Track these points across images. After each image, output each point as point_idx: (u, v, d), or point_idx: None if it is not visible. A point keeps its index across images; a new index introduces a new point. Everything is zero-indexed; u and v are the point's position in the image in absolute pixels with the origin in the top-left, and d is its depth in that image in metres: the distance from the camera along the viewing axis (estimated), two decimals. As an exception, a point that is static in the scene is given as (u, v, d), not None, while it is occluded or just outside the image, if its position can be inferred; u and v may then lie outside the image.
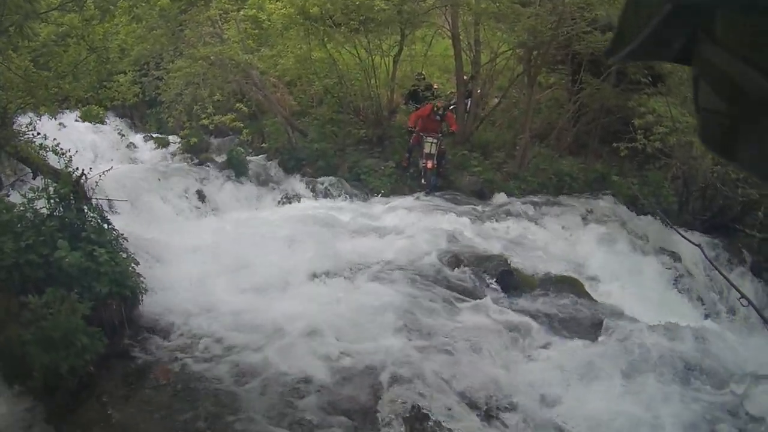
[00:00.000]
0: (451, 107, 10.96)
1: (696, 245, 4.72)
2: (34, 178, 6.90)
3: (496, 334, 5.17)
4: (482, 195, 9.80)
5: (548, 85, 11.81)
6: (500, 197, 9.60)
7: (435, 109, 9.76)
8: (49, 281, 4.37)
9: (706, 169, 8.78)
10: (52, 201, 4.73)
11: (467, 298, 5.85)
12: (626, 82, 9.82)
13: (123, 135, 11.93)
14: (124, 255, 4.98)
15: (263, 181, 9.67)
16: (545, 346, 5.09)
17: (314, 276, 6.06)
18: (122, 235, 5.14)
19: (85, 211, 4.93)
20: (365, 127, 10.85)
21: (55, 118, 8.17)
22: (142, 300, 4.98)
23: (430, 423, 3.93)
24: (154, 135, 12.73)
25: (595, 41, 8.91)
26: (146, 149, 12.10)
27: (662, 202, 9.34)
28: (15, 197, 5.43)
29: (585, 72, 10.18)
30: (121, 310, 4.71)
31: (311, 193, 9.45)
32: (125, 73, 9.44)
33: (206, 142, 11.89)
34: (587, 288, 6.52)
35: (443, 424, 3.93)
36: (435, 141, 9.56)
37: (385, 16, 9.59)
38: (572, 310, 5.85)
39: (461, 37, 10.58)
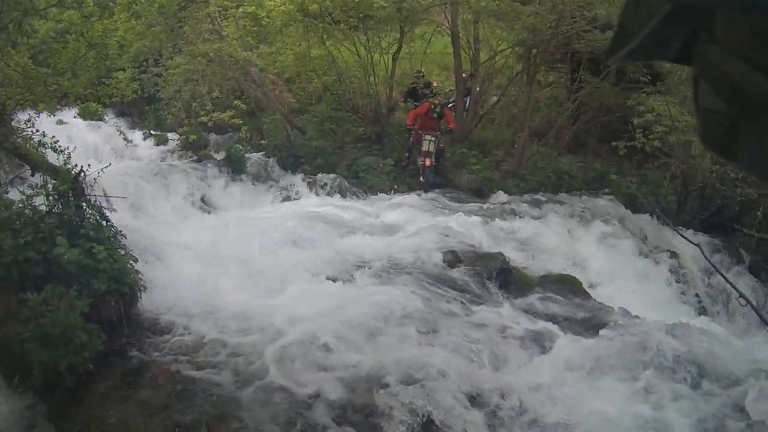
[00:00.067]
0: (450, 105, 10.95)
1: (695, 244, 4.73)
2: (32, 175, 6.91)
3: (495, 332, 5.18)
4: (481, 193, 9.81)
5: (547, 84, 11.82)
6: (499, 195, 9.60)
7: (432, 106, 9.75)
8: (48, 278, 4.36)
9: (705, 169, 8.79)
10: (50, 198, 4.73)
11: (466, 297, 5.85)
12: (625, 80, 9.82)
13: (122, 132, 11.89)
14: (123, 252, 4.98)
15: (262, 178, 9.66)
16: (544, 345, 5.09)
17: (313, 275, 6.06)
18: (121, 232, 5.15)
19: (84, 208, 4.93)
20: (364, 124, 10.85)
21: (54, 115, 8.17)
22: (140, 297, 4.98)
23: (430, 422, 3.93)
24: (153, 132, 12.72)
25: (594, 40, 8.91)
26: (145, 146, 12.08)
27: (661, 201, 9.35)
28: (14, 194, 5.42)
29: (584, 70, 10.18)
30: (119, 308, 4.71)
31: (310, 191, 9.44)
32: (124, 70, 9.42)
33: (205, 139, 11.87)
34: (586, 286, 6.53)
35: (443, 423, 3.94)
36: (433, 139, 9.56)
37: (385, 14, 9.59)
38: (571, 308, 5.86)
39: (460, 35, 10.57)
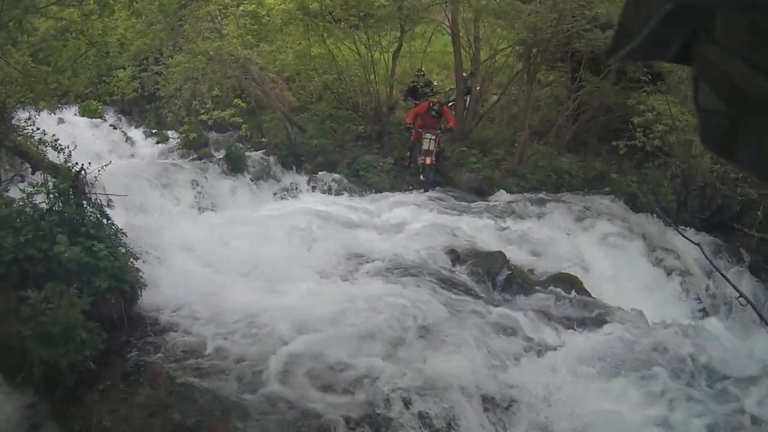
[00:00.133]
0: (450, 104, 10.95)
1: (695, 244, 4.71)
2: (33, 173, 6.90)
3: (495, 331, 5.18)
4: (481, 192, 9.81)
5: (548, 83, 11.81)
6: (499, 194, 9.61)
7: (431, 104, 9.75)
8: (49, 276, 4.37)
9: (705, 168, 8.78)
10: (51, 196, 4.73)
11: (466, 295, 5.85)
12: (626, 80, 9.81)
13: (122, 130, 11.91)
14: (123, 250, 4.99)
15: (262, 176, 9.65)
16: (545, 344, 5.10)
17: (314, 273, 6.06)
18: (121, 230, 5.15)
19: (85, 206, 4.93)
20: (364, 123, 10.85)
21: (54, 113, 8.16)
22: (141, 295, 4.98)
23: (430, 421, 3.94)
24: (153, 130, 12.71)
25: (595, 39, 8.91)
26: (145, 144, 12.08)
27: (661, 201, 9.34)
28: (14, 192, 5.42)
29: (584, 70, 10.18)
30: (120, 306, 4.71)
31: (310, 189, 9.44)
32: (124, 68, 9.44)
33: (205, 137, 11.87)
34: (586, 285, 6.53)
35: (444, 422, 3.94)
36: (433, 137, 9.56)
37: (385, 13, 9.58)
38: (571, 307, 5.86)
39: (461, 34, 10.57)
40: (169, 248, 6.09)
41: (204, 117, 9.74)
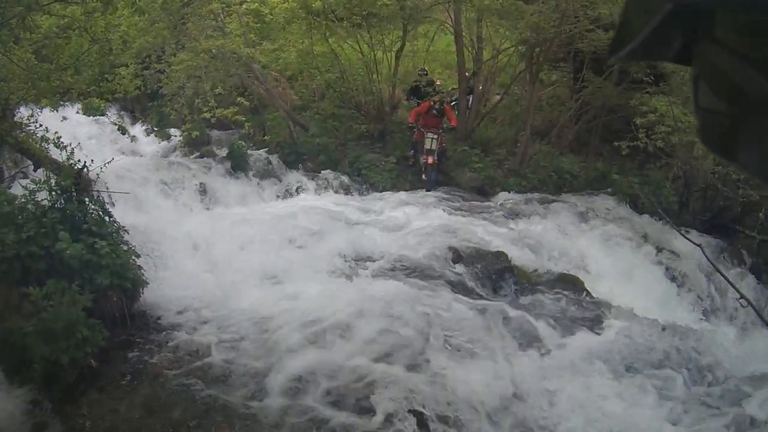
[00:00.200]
0: (453, 103, 10.94)
1: (697, 245, 4.71)
2: (35, 170, 6.92)
3: (496, 330, 5.18)
4: (483, 192, 9.80)
5: (550, 83, 11.79)
6: (501, 194, 9.60)
7: (432, 104, 9.75)
8: (50, 273, 4.38)
9: (707, 170, 8.77)
10: (53, 193, 4.74)
11: (467, 295, 5.85)
12: (628, 80, 9.79)
13: (124, 128, 11.91)
14: (125, 247, 4.99)
15: (264, 175, 9.66)
16: (545, 343, 5.10)
17: (322, 273, 6.05)
18: (123, 227, 5.15)
19: (87, 203, 4.94)
20: (367, 122, 10.84)
21: (57, 111, 8.17)
22: (142, 293, 4.99)
23: (431, 421, 3.94)
24: (156, 128, 12.71)
25: (597, 39, 8.89)
26: (148, 142, 12.10)
27: (663, 202, 9.32)
28: (16, 189, 5.43)
29: (587, 70, 10.16)
30: (121, 303, 4.72)
31: (312, 188, 9.45)
32: (127, 66, 9.42)
33: (208, 135, 11.86)
34: (587, 286, 6.53)
35: (444, 422, 3.94)
36: (435, 137, 9.55)
37: (388, 12, 9.58)
38: (572, 307, 5.86)
39: (464, 34, 10.56)
40: (171, 246, 6.09)
41: (206, 115, 9.74)
